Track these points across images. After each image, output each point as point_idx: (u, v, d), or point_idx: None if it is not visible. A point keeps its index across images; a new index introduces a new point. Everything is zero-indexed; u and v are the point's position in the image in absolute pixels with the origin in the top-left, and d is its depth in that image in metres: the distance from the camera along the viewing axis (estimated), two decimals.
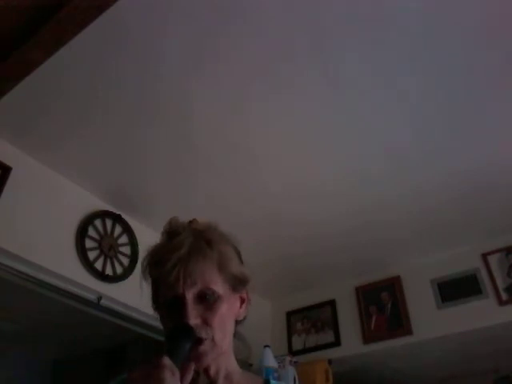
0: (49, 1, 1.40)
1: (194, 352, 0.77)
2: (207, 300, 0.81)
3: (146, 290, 0.89)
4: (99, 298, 2.28)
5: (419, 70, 1.83)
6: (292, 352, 3.13)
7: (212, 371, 0.84)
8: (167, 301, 0.82)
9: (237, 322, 0.90)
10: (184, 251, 0.83)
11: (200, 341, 0.78)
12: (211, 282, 0.83)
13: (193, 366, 0.75)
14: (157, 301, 0.88)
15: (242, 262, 0.92)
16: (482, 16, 1.62)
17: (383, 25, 1.65)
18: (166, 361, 0.68)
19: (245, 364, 2.65)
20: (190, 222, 0.91)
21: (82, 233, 2.27)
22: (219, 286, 0.83)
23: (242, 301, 0.91)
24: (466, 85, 1.90)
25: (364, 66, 1.81)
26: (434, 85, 1.90)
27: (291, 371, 2.74)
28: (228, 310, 0.84)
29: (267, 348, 2.74)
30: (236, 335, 0.91)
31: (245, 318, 0.93)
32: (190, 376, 0.74)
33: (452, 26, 1.66)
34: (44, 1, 1.41)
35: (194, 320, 0.78)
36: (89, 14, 1.42)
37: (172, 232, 0.88)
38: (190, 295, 0.80)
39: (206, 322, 0.80)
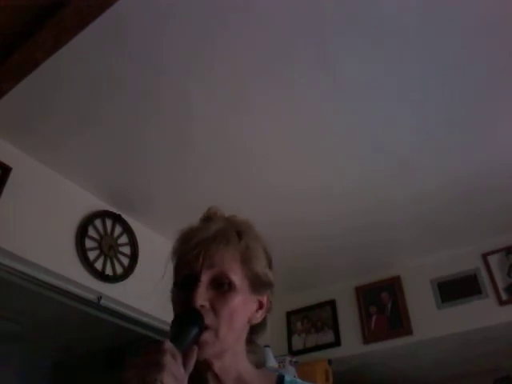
0: (49, 1, 1.40)
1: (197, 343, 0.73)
2: (222, 288, 0.78)
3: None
4: (99, 298, 2.28)
5: (419, 70, 1.83)
6: (292, 352, 3.13)
7: (217, 369, 0.79)
8: (183, 278, 0.80)
9: (252, 328, 0.86)
10: (210, 233, 0.82)
11: (205, 328, 0.74)
12: (230, 269, 0.79)
13: (196, 351, 0.70)
14: (175, 281, 0.85)
15: (270, 267, 0.88)
16: (482, 16, 1.62)
17: (383, 25, 1.65)
18: (168, 345, 0.64)
19: None
20: (229, 216, 0.90)
21: (82, 233, 2.27)
22: (237, 278, 0.80)
23: (261, 305, 0.85)
24: (467, 85, 1.90)
25: (364, 65, 1.81)
26: (434, 85, 1.90)
27: (291, 371, 2.74)
28: (241, 306, 0.80)
29: (267, 348, 2.74)
30: (251, 343, 0.87)
31: (263, 327, 0.88)
32: (193, 361, 0.69)
33: (452, 25, 1.66)
34: (44, 1, 1.41)
35: (201, 301, 0.75)
36: (89, 14, 1.42)
37: (206, 218, 0.88)
38: (205, 277, 0.78)
39: (213, 309, 0.76)
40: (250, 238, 0.85)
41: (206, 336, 0.74)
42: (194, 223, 0.88)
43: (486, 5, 1.59)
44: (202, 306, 0.75)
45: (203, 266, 0.78)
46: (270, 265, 0.88)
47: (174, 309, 0.82)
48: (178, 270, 0.84)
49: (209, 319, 0.75)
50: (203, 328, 0.74)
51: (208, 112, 1.99)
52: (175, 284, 0.84)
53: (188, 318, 0.73)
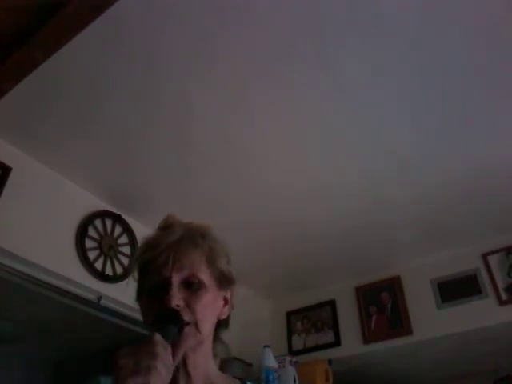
0: (49, 1, 1.40)
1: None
2: (192, 287, 0.83)
3: (133, 283, 0.90)
4: (99, 298, 2.28)
5: (419, 70, 1.83)
6: (292, 352, 3.13)
7: (190, 365, 0.83)
8: (154, 283, 0.83)
9: (219, 323, 0.90)
10: (176, 237, 0.85)
11: (185, 324, 0.79)
12: (198, 270, 0.84)
13: (183, 344, 0.76)
14: (141, 289, 0.88)
15: (230, 263, 0.94)
16: (482, 16, 1.62)
17: (383, 25, 1.65)
18: (158, 337, 0.68)
19: (244, 363, 2.65)
20: (187, 222, 0.93)
21: (82, 233, 2.27)
22: (205, 277, 0.85)
23: (226, 302, 0.91)
24: (466, 85, 1.90)
25: (364, 65, 1.81)
26: (434, 85, 1.90)
27: (291, 371, 2.74)
28: (211, 302, 0.85)
29: (267, 348, 2.73)
30: (217, 340, 0.92)
31: (227, 322, 0.93)
32: (180, 354, 0.75)
33: (452, 25, 1.66)
34: (44, 1, 1.41)
35: (177, 301, 0.79)
36: (89, 14, 1.42)
37: (166, 226, 0.91)
38: (176, 279, 0.82)
39: (189, 307, 0.81)
40: (211, 240, 0.90)
41: (188, 329, 0.79)
42: (154, 232, 0.91)
43: (486, 5, 1.59)
44: (178, 306, 0.79)
45: (173, 269, 0.82)
46: (229, 262, 0.94)
47: (146, 316, 0.86)
48: (146, 276, 0.87)
49: (187, 316, 0.80)
50: (181, 327, 0.78)
51: (208, 112, 1.99)
52: (143, 291, 0.87)
53: (168, 317, 0.77)
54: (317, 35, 1.68)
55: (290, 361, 2.80)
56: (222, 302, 0.90)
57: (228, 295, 0.92)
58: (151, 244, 0.87)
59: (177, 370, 0.81)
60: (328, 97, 1.94)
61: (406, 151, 2.23)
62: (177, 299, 0.79)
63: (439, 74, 1.85)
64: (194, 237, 0.87)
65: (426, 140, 2.17)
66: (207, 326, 0.84)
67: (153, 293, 0.83)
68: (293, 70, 1.82)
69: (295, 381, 2.73)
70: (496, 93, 1.93)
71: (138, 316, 2.70)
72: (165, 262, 0.82)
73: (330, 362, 2.93)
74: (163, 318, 0.77)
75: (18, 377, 3.37)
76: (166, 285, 0.81)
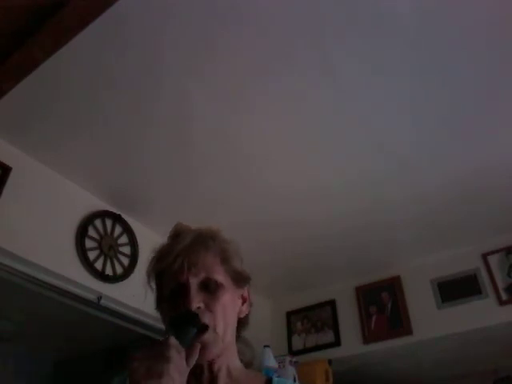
0: (49, 1, 1.40)
1: (198, 342, 0.77)
2: (210, 288, 0.83)
3: (150, 290, 0.90)
4: (99, 298, 2.28)
5: (419, 70, 1.83)
6: (292, 352, 3.13)
7: (215, 367, 0.84)
8: (172, 290, 0.84)
9: (240, 322, 0.91)
10: (187, 242, 0.86)
11: (204, 327, 0.79)
12: (214, 271, 0.85)
13: (198, 348, 0.75)
14: (160, 296, 0.89)
15: (242, 263, 0.94)
16: (482, 16, 1.62)
17: (383, 25, 1.65)
18: (173, 340, 0.68)
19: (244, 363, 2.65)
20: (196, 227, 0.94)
21: (82, 233, 2.27)
22: (222, 277, 0.86)
23: (244, 300, 0.93)
24: (466, 85, 1.90)
25: (364, 65, 1.81)
26: (434, 85, 1.90)
27: (291, 371, 2.74)
28: (230, 301, 0.86)
29: (267, 348, 2.74)
30: (240, 339, 0.93)
31: (247, 320, 0.94)
32: (195, 358, 0.73)
33: (452, 25, 1.66)
34: (44, 1, 1.41)
35: (196, 304, 0.80)
36: (89, 14, 1.42)
37: (176, 234, 0.92)
38: (193, 282, 0.82)
39: (208, 308, 0.81)
40: (222, 241, 0.91)
41: (207, 336, 0.79)
42: (165, 242, 0.92)
43: (486, 5, 1.59)
44: (198, 308, 0.80)
45: (189, 274, 0.83)
46: (242, 261, 0.95)
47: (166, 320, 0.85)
48: (163, 284, 0.87)
49: (206, 318, 0.80)
50: (200, 327, 0.77)
51: (208, 112, 1.99)
52: (162, 299, 0.88)
53: (185, 319, 0.77)
54: (317, 35, 1.68)
55: (290, 361, 2.80)
56: (240, 301, 0.91)
57: (245, 293, 0.93)
58: (164, 252, 0.88)
59: (201, 370, 0.83)
60: (328, 97, 1.94)
61: (406, 151, 2.23)
62: (197, 301, 0.80)
63: (439, 73, 1.85)
64: (204, 240, 0.88)
65: (426, 140, 2.17)
66: (227, 329, 0.84)
67: (172, 299, 0.84)
68: (293, 70, 1.82)
69: (295, 381, 2.73)
70: (496, 93, 1.93)
71: (138, 316, 2.70)
72: (180, 268, 0.83)
73: (330, 361, 2.93)
74: (181, 320, 0.76)
75: (18, 376, 3.37)
76: (185, 289, 0.81)
